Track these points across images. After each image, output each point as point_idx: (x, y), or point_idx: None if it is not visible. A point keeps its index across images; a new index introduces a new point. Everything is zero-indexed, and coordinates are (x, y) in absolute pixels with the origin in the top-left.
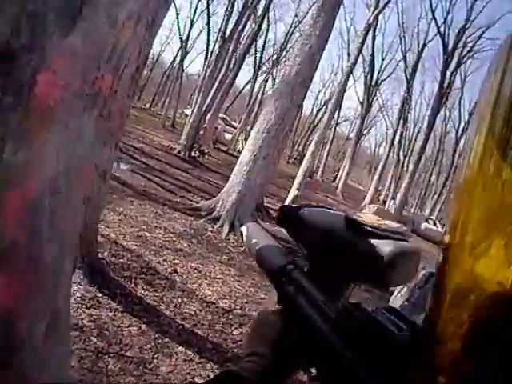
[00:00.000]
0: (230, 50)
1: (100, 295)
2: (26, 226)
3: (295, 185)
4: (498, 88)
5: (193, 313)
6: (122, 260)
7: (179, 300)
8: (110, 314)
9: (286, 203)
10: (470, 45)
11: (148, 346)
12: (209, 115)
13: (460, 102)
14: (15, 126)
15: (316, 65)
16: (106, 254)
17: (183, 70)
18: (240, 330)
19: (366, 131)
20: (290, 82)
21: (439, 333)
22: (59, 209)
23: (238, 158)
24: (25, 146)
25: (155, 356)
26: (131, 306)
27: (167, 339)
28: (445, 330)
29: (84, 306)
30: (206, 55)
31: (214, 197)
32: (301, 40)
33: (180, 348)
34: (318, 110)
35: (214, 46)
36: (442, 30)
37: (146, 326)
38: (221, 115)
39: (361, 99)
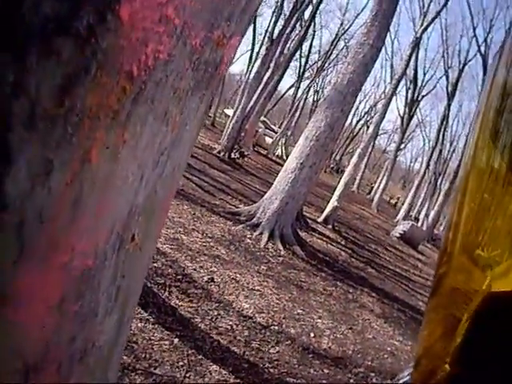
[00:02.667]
0: (277, 53)
1: None
2: (69, 313)
3: (335, 196)
4: (490, 90)
5: (229, 327)
6: (155, 264)
7: (215, 312)
8: (140, 324)
9: (325, 214)
10: None
11: (180, 362)
12: (251, 117)
13: None
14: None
15: (368, 74)
16: None
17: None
18: (277, 348)
19: (403, 146)
20: (342, 91)
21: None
22: (128, 264)
23: (277, 163)
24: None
25: (187, 375)
26: (164, 317)
27: (201, 356)
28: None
29: None
30: (251, 56)
31: (253, 201)
32: (354, 48)
33: (214, 366)
34: (358, 121)
35: (261, 47)
36: (482, 49)
37: (179, 340)
38: (262, 118)
39: (401, 113)
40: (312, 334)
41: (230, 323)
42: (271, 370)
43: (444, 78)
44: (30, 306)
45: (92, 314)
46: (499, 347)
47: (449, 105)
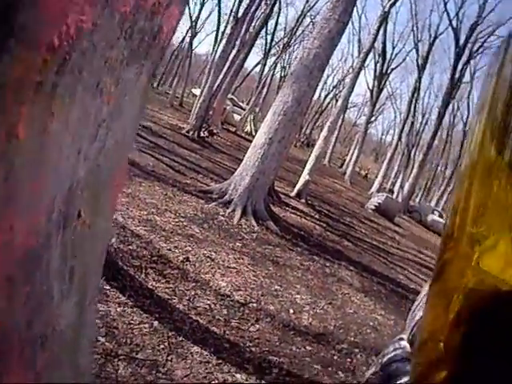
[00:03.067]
0: (243, 31)
1: (108, 288)
2: (20, 290)
3: (306, 170)
4: (497, 82)
5: (207, 307)
6: (130, 247)
7: (192, 292)
8: (118, 309)
9: (297, 188)
10: (481, 40)
11: (161, 346)
12: (218, 96)
13: (469, 96)
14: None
15: (334, 49)
16: (113, 240)
17: (192, 50)
18: (257, 326)
19: (373, 118)
20: (308, 65)
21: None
22: (79, 243)
23: (246, 139)
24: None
25: (169, 358)
26: (142, 300)
27: (181, 337)
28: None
29: None
30: (217, 35)
31: (224, 179)
32: (320, 23)
33: (195, 348)
34: (326, 95)
35: (226, 26)
36: (453, 23)
37: (159, 322)
38: (229, 96)
39: (370, 86)
40: (291, 311)
41: (208, 302)
42: (253, 349)
43: (414, 51)
44: None
45: (47, 296)
46: (502, 343)
47: (419, 77)
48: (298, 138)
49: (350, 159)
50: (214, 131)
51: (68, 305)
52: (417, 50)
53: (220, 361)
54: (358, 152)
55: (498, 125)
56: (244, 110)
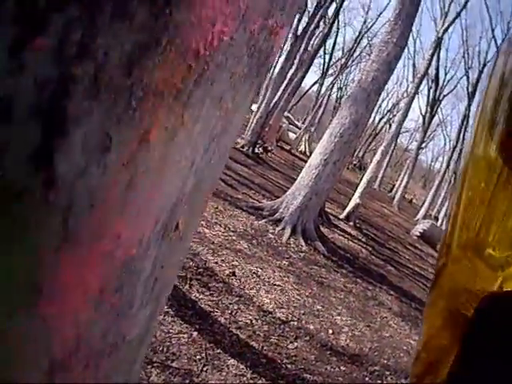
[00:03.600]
0: (301, 49)
1: None
2: (104, 306)
3: (357, 193)
4: (490, 81)
5: (249, 322)
6: None
7: (235, 307)
8: (159, 317)
9: (346, 210)
10: None
11: (197, 356)
12: (275, 113)
13: None
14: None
15: (391, 73)
16: None
17: None
18: (295, 343)
19: (424, 145)
20: (366, 88)
21: None
22: (168, 254)
23: (300, 158)
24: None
25: (204, 369)
26: (184, 311)
27: (219, 350)
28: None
29: None
30: None
31: (276, 197)
32: (378, 46)
33: (232, 361)
34: (381, 119)
35: (285, 43)
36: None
37: (198, 333)
38: (285, 114)
39: (423, 112)
40: (330, 331)
41: (250, 318)
42: (289, 366)
43: (465, 78)
44: (67, 297)
45: (127, 306)
46: (502, 344)
47: (469, 105)
48: (351, 160)
49: (400, 184)
50: (269, 148)
51: (144, 314)
52: (467, 77)
53: (255, 375)
54: (408, 178)
55: (488, 121)
56: (299, 128)
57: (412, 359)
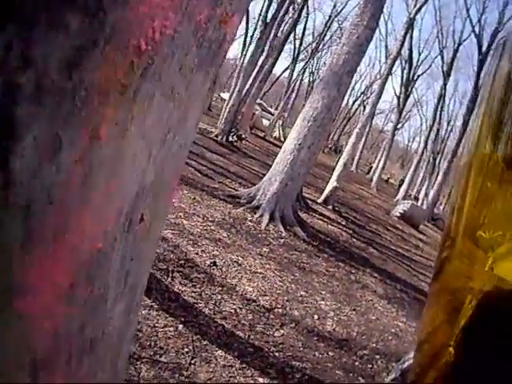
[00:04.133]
0: (271, 36)
1: None
2: (77, 299)
3: (334, 177)
4: (494, 80)
5: (233, 311)
6: (157, 250)
7: (219, 297)
8: (143, 312)
9: (324, 194)
10: None
11: (185, 349)
12: (247, 100)
13: None
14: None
15: (363, 55)
16: None
17: None
18: (282, 331)
19: (400, 125)
20: (337, 72)
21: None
22: (137, 247)
23: (275, 144)
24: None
25: (193, 361)
26: (167, 303)
27: (206, 341)
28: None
29: None
30: (245, 40)
31: (252, 184)
32: (348, 29)
33: (219, 352)
34: (354, 101)
35: (254, 31)
36: (476, 29)
37: (184, 326)
38: (258, 101)
39: (397, 92)
40: (316, 316)
41: (234, 307)
42: (276, 354)
43: (439, 57)
44: (39, 294)
45: (102, 300)
46: (504, 333)
47: (445, 84)
48: (326, 144)
49: (377, 166)
50: (243, 136)
51: (119, 308)
52: (442, 57)
53: (244, 365)
54: (385, 159)
55: (494, 121)
56: (273, 115)
57: (413, 346)
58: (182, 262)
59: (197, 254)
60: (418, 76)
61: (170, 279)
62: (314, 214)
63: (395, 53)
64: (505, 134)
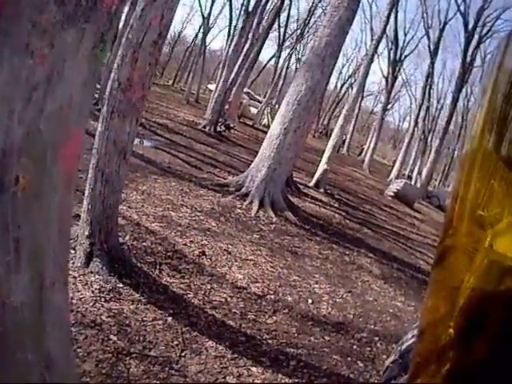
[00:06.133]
0: (254, 24)
1: (121, 285)
2: None
3: (324, 159)
4: (498, 75)
5: (223, 300)
6: (145, 244)
7: (208, 286)
8: (131, 306)
9: (315, 177)
10: (489, 25)
11: (175, 342)
12: (234, 90)
13: (481, 80)
14: None
15: (345, 36)
16: (127, 237)
17: (206, 46)
18: (274, 317)
19: (390, 106)
20: (320, 54)
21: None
22: (22, 213)
23: (264, 132)
24: None
25: (183, 354)
26: (156, 296)
27: (196, 333)
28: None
29: (103, 299)
30: (229, 30)
31: (242, 172)
32: (329, 11)
33: (210, 342)
34: (343, 85)
35: (238, 20)
36: (461, 9)
37: (173, 318)
38: (245, 90)
39: (385, 74)
40: (310, 301)
41: (224, 296)
42: (269, 342)
43: (425, 37)
44: None
45: None
46: (504, 314)
47: (432, 63)
48: (316, 128)
49: (368, 147)
50: (231, 125)
51: (19, 280)
52: (428, 37)
53: (236, 355)
54: (376, 140)
55: (498, 116)
56: (260, 102)
57: (413, 326)
58: (170, 253)
59: (185, 244)
60: (406, 56)
61: (157, 272)
62: (305, 198)
63: (380, 33)
64: (509, 131)
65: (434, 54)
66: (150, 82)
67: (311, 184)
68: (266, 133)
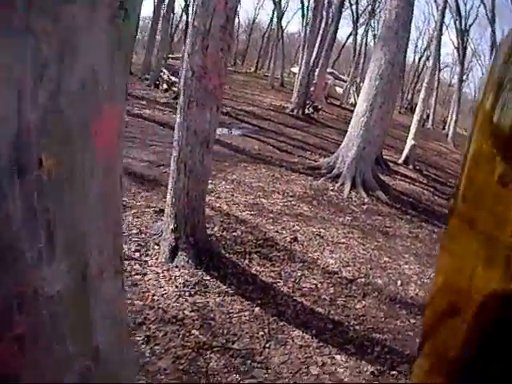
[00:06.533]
0: (326, 3)
1: (208, 278)
2: None
3: (410, 135)
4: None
5: (313, 287)
6: (234, 234)
7: (299, 273)
8: (217, 299)
9: (404, 154)
10: None
11: (260, 333)
12: (317, 71)
13: None
14: None
15: (412, 7)
16: (216, 229)
17: (283, 30)
18: (363, 302)
19: (464, 77)
20: (392, 26)
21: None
22: (52, 195)
23: (352, 111)
24: None
25: (267, 345)
26: (244, 287)
27: (283, 322)
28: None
29: (187, 294)
30: (303, 11)
31: (333, 153)
32: None
33: (297, 332)
34: (420, 58)
35: (309, 1)
36: None
37: (260, 308)
38: (329, 70)
39: (455, 44)
40: (399, 282)
41: (315, 282)
42: (357, 327)
43: (482, 6)
44: None
45: (12, 252)
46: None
47: (493, 31)
48: (401, 103)
49: (451, 120)
50: (319, 106)
51: (54, 268)
52: (484, 5)
53: (321, 343)
54: (457, 112)
55: (495, 81)
56: (345, 82)
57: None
58: (261, 242)
59: (276, 231)
60: (470, 26)
61: (247, 261)
62: (395, 175)
63: (443, 3)
64: (501, 98)
65: (492, 22)
66: (225, 68)
67: (400, 161)
68: (353, 111)
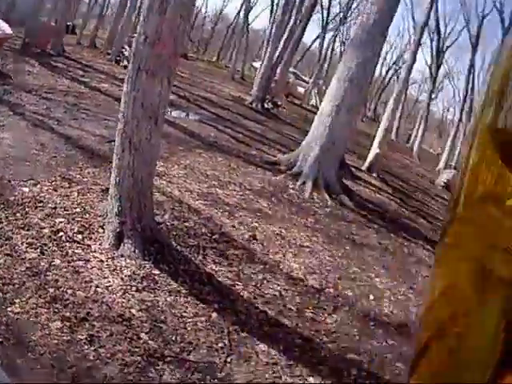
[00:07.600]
0: (298, 2)
1: (157, 272)
2: None
3: (376, 143)
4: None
5: (277, 294)
6: (187, 224)
7: (260, 276)
8: (168, 299)
9: (368, 161)
10: None
11: (219, 344)
12: (280, 67)
13: None
14: None
15: (393, 14)
16: (166, 216)
17: (249, 24)
18: (334, 316)
19: (434, 95)
20: (370, 31)
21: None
22: None
23: (313, 112)
24: None
25: (228, 359)
26: (198, 287)
27: (245, 333)
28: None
29: (134, 289)
30: (272, 8)
31: (292, 150)
32: None
33: (261, 346)
34: (388, 70)
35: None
36: (497, 4)
37: (218, 314)
38: (291, 69)
39: (428, 62)
40: (371, 297)
41: (278, 288)
42: (329, 346)
43: (465, 30)
44: None
45: None
46: None
47: (473, 55)
48: (364, 112)
49: (416, 135)
50: (279, 103)
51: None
52: (468, 29)
53: (290, 361)
54: (424, 128)
55: (497, 90)
56: (307, 83)
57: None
58: (216, 236)
59: (233, 226)
60: (448, 47)
61: (201, 257)
62: (358, 181)
63: (422, 23)
64: (506, 105)
65: (474, 47)
66: (182, 37)
67: (364, 167)
68: (314, 113)
